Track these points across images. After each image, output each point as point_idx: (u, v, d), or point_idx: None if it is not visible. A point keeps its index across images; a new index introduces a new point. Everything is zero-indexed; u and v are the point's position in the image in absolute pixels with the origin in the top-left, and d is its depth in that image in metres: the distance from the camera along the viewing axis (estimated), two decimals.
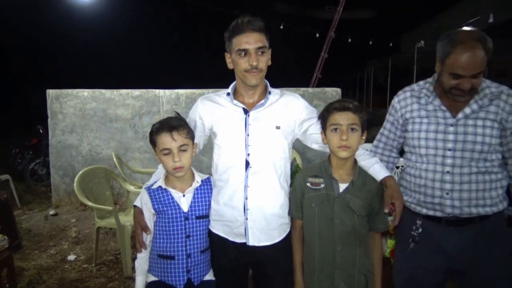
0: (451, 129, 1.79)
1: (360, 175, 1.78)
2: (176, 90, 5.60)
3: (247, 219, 1.78)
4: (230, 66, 1.83)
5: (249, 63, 1.72)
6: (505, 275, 1.79)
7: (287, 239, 1.85)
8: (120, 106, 5.56)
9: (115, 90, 5.59)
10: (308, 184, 1.79)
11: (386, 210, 1.68)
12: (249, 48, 1.71)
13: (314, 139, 1.87)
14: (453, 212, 1.80)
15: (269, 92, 1.82)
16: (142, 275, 1.87)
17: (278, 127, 1.80)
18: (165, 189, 1.83)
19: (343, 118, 1.70)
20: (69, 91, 5.58)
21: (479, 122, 1.76)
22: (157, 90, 5.59)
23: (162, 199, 1.81)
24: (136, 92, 5.59)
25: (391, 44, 16.18)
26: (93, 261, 3.70)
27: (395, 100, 2.01)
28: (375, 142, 2.16)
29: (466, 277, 1.83)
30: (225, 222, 1.83)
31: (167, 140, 1.74)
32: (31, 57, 14.99)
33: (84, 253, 3.98)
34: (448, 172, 1.79)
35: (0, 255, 2.73)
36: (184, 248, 1.80)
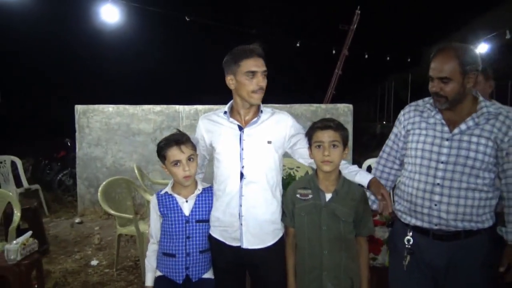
0: (446, 143, 1.86)
1: (344, 184, 1.96)
2: (195, 106, 5.90)
3: (241, 224, 1.96)
4: (232, 86, 1.98)
5: (257, 84, 1.92)
6: (485, 285, 1.86)
7: (280, 243, 2.03)
8: (143, 121, 5.90)
9: (138, 106, 5.94)
10: (298, 195, 1.97)
11: (375, 207, 1.90)
12: (257, 71, 1.91)
13: (300, 153, 2.07)
14: (440, 223, 1.85)
15: (261, 111, 2.01)
16: (151, 272, 2.10)
17: (269, 142, 1.98)
18: (171, 194, 2.06)
19: (325, 136, 1.90)
20: (96, 106, 5.96)
21: (474, 139, 1.82)
22: (177, 106, 5.91)
23: (167, 203, 2.05)
24: (157, 108, 5.93)
25: (409, 60, 16.18)
26: (114, 266, 3.96)
27: (401, 113, 2.12)
28: (380, 153, 2.24)
29: (446, 286, 1.90)
30: (223, 228, 2.02)
31: (176, 152, 1.98)
32: (57, 74, 15.83)
33: (106, 258, 4.25)
34: (438, 184, 1.85)
35: (30, 257, 3.00)
36: (184, 248, 2.02)
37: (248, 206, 1.96)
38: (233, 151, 1.98)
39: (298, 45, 10.51)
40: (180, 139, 2.00)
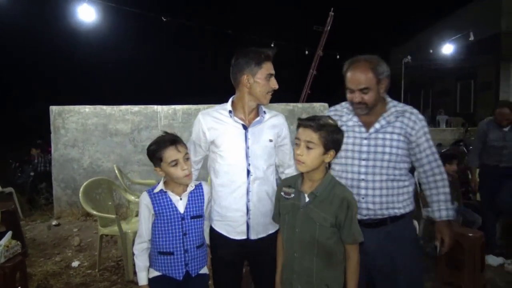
0: (365, 141, 2.10)
1: (327, 188, 1.84)
2: (173, 106, 5.92)
3: (249, 218, 2.07)
4: (247, 85, 2.04)
5: (273, 86, 2.06)
6: (408, 263, 2.10)
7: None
8: (120, 121, 5.87)
9: (115, 106, 5.90)
10: (282, 193, 1.96)
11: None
12: (273, 74, 2.06)
13: (280, 152, 2.21)
14: (368, 214, 2.08)
15: (264, 112, 2.13)
16: (144, 271, 2.07)
17: (271, 140, 2.11)
18: (165, 191, 2.05)
19: (302, 134, 1.82)
20: (71, 107, 5.88)
21: (387, 136, 2.08)
22: (155, 106, 5.91)
23: (161, 201, 2.04)
24: (135, 108, 5.91)
25: None
26: (96, 267, 3.94)
27: None
28: None
29: (379, 268, 2.11)
30: (228, 223, 2.10)
31: (173, 153, 2.00)
32: (30, 75, 15.41)
33: (87, 260, 4.23)
34: (363, 179, 2.08)
35: (13, 260, 2.98)
36: (181, 245, 2.03)
37: (255, 201, 2.07)
38: (239, 150, 2.06)
39: (272, 45, 10.64)
40: (174, 139, 2.02)
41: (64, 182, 5.88)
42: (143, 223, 2.07)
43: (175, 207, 2.05)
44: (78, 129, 5.86)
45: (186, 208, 2.07)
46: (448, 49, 14.74)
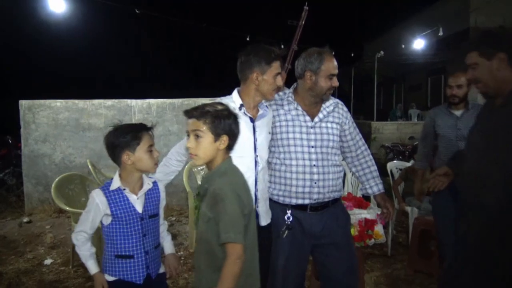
0: (311, 130, 2.24)
1: (207, 182, 1.71)
2: (147, 100, 5.85)
3: (258, 206, 2.15)
4: (255, 82, 2.12)
5: (278, 84, 2.15)
6: (345, 238, 2.33)
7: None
8: (93, 115, 5.76)
9: (87, 100, 5.79)
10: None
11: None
12: (280, 72, 2.16)
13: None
14: (318, 198, 2.22)
15: (266, 106, 2.22)
16: (91, 258, 1.95)
17: (270, 133, 2.25)
18: (124, 189, 1.93)
19: (188, 125, 1.69)
20: (42, 101, 5.73)
21: (329, 125, 2.29)
22: (129, 100, 5.83)
23: (119, 201, 1.91)
24: (109, 102, 5.81)
25: (352, 55, 16.94)
26: (70, 264, 3.88)
27: None
28: None
29: (323, 246, 2.29)
30: None
31: (149, 138, 1.95)
32: None
33: (60, 257, 4.16)
34: (314, 165, 2.22)
35: None
36: (142, 246, 1.94)
37: (261, 189, 2.18)
38: (248, 141, 2.14)
39: (248, 39, 10.65)
40: (147, 125, 1.98)
41: (35, 178, 5.74)
42: (90, 220, 1.93)
43: (133, 207, 1.94)
44: (49, 124, 5.72)
45: (144, 207, 1.97)
46: (419, 44, 15.08)
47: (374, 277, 3.57)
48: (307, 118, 2.26)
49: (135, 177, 1.97)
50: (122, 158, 1.91)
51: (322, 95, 2.24)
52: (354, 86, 18.87)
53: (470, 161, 1.89)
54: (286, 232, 2.21)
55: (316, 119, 2.27)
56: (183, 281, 3.53)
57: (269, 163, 2.31)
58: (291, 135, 2.23)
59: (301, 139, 2.23)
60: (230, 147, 1.73)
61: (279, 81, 2.15)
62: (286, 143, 2.24)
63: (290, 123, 2.25)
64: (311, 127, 2.25)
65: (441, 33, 13.01)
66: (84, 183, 4.23)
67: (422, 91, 18.92)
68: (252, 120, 2.16)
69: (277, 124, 2.28)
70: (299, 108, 2.27)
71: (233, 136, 1.72)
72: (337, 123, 2.32)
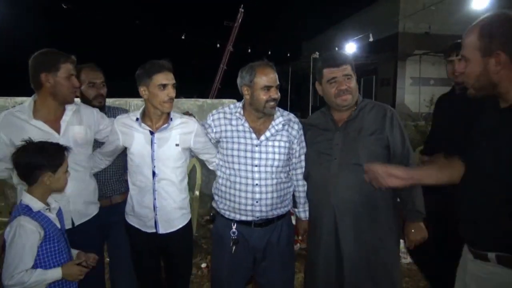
0: (256, 148, 2.23)
1: None
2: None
3: (156, 215, 2.29)
4: (145, 96, 2.21)
5: (168, 95, 2.19)
6: (286, 253, 2.38)
7: (187, 226, 2.40)
8: None
9: (9, 97, 5.44)
10: None
11: None
12: (168, 84, 2.21)
13: (205, 158, 2.46)
14: (261, 216, 2.26)
15: (171, 118, 2.27)
16: (48, 272, 1.81)
17: (177, 145, 2.27)
18: (46, 209, 1.87)
19: None
20: None
21: (276, 143, 2.27)
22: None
23: (43, 222, 1.82)
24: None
25: (288, 54, 17.41)
26: None
27: (210, 119, 2.37)
28: None
29: (265, 260, 2.33)
30: (139, 217, 2.34)
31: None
32: None
33: None
34: (257, 184, 2.23)
35: None
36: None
37: (161, 199, 2.29)
38: (145, 153, 2.25)
39: (183, 37, 10.54)
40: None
41: None
42: (29, 253, 1.75)
43: (55, 224, 1.90)
44: None
45: (60, 223, 1.97)
46: (351, 47, 15.83)
47: (301, 278, 3.78)
48: (253, 135, 2.25)
49: (47, 196, 1.92)
50: (41, 178, 1.82)
51: (262, 108, 2.20)
52: (292, 84, 19.39)
53: (474, 159, 1.62)
54: (234, 247, 2.28)
55: (263, 137, 2.26)
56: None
57: (217, 175, 2.38)
58: (235, 153, 2.24)
59: (245, 157, 2.23)
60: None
61: (171, 92, 2.20)
62: (230, 160, 2.26)
63: (235, 140, 2.26)
64: (256, 145, 2.24)
65: (371, 39, 13.81)
66: (2, 188, 4.01)
67: None
68: (152, 132, 2.25)
69: (224, 140, 2.30)
70: (246, 124, 2.26)
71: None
72: (285, 141, 2.28)
